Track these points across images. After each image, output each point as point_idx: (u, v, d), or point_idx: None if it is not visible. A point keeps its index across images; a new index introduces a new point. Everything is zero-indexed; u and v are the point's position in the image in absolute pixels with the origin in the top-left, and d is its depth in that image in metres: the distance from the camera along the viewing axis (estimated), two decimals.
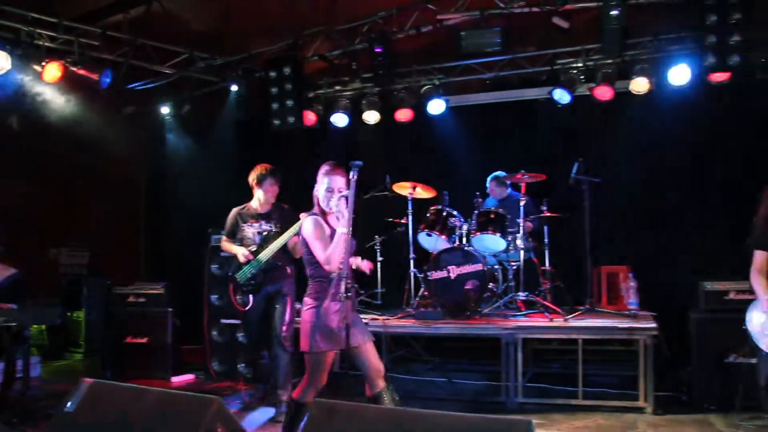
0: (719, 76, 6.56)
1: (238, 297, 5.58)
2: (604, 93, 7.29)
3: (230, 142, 8.49)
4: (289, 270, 5.60)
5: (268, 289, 5.52)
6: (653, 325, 5.64)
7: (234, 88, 7.63)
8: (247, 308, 5.54)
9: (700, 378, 5.66)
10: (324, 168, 4.25)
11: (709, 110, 7.33)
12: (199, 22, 6.91)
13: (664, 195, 7.78)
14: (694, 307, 5.87)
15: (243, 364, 6.68)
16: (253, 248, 5.47)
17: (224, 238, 5.73)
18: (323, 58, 7.45)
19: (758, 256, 4.42)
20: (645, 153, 7.76)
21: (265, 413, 5.57)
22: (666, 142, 7.63)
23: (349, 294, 3.86)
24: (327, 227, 4.14)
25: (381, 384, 4.12)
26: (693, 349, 5.73)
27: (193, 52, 7.70)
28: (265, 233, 5.50)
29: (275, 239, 5.42)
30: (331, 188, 4.14)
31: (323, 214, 4.21)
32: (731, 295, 5.72)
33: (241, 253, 5.45)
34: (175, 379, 7.01)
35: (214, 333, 7.00)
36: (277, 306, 5.50)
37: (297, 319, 6.16)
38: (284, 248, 5.47)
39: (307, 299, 4.14)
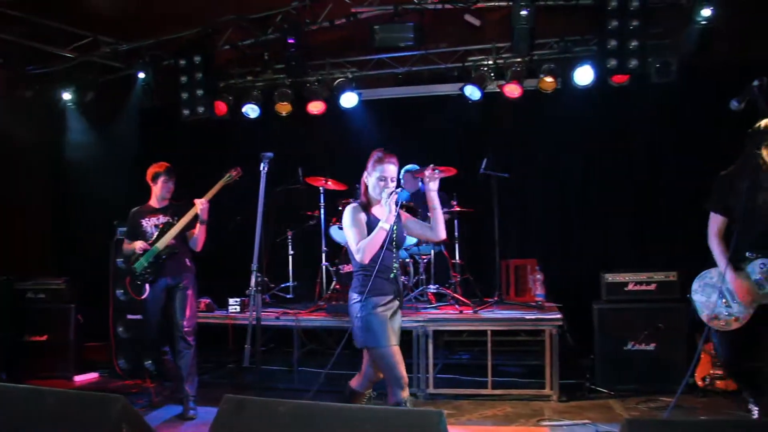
0: (620, 78, 6.87)
1: (134, 288, 5.46)
2: (513, 90, 7.46)
3: (137, 132, 8.12)
4: (188, 262, 5.55)
5: (168, 282, 5.44)
6: (558, 315, 5.86)
7: (141, 75, 7.29)
8: (143, 297, 5.43)
9: (602, 365, 5.96)
10: (375, 155, 4.11)
11: (611, 110, 7.66)
12: (104, 4, 6.55)
13: (570, 190, 8.07)
14: (596, 298, 6.16)
15: (149, 361, 6.47)
16: (151, 240, 5.42)
17: (125, 241, 5.65)
18: (235, 47, 7.27)
19: (711, 218, 4.29)
20: (551, 149, 8.02)
21: (172, 410, 5.43)
22: (571, 139, 7.91)
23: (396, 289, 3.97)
24: (364, 216, 4.00)
25: (369, 387, 4.27)
26: (595, 338, 6.02)
27: (97, 36, 7.31)
28: (161, 225, 5.45)
29: (171, 228, 5.39)
30: (384, 177, 4.02)
31: (368, 204, 4.09)
32: (630, 286, 6.06)
33: (138, 245, 5.39)
34: (79, 378, 6.73)
35: (120, 329, 6.76)
36: (177, 300, 5.44)
37: (200, 312, 6.09)
38: (183, 238, 5.46)
39: (352, 293, 4.03)
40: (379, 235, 3.86)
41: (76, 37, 7.30)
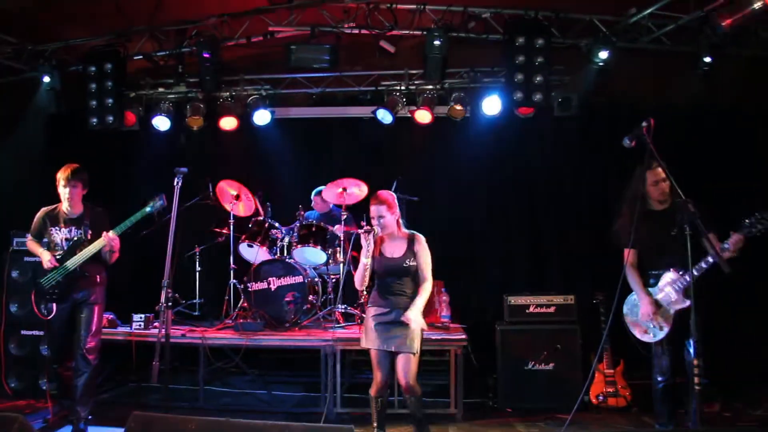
0: (525, 110, 7.22)
1: (41, 306, 5.18)
2: (423, 116, 7.68)
3: (40, 138, 7.69)
4: (98, 278, 5.33)
5: (75, 297, 5.20)
6: (463, 336, 6.05)
7: (46, 79, 6.95)
8: (50, 317, 5.16)
9: (504, 384, 6.19)
10: None
11: (516, 139, 8.02)
12: (7, 1, 6.21)
13: (477, 214, 8.32)
14: (499, 319, 6.40)
15: (45, 380, 6.11)
16: (60, 254, 5.16)
17: (29, 237, 5.36)
18: (148, 57, 7.09)
19: (627, 253, 4.75)
20: (460, 174, 8.27)
21: (69, 431, 5.17)
22: (478, 165, 8.20)
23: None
24: (365, 258, 4.61)
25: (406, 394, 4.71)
26: (498, 358, 6.25)
27: None
28: (74, 239, 5.19)
29: (84, 246, 5.14)
30: (371, 215, 4.69)
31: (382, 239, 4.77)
32: (531, 309, 6.34)
33: (46, 258, 5.13)
34: None
35: (12, 346, 6.36)
36: (83, 315, 5.20)
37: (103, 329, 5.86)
38: (95, 256, 5.21)
39: None
40: (360, 267, 4.65)
41: None
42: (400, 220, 4.80)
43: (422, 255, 4.70)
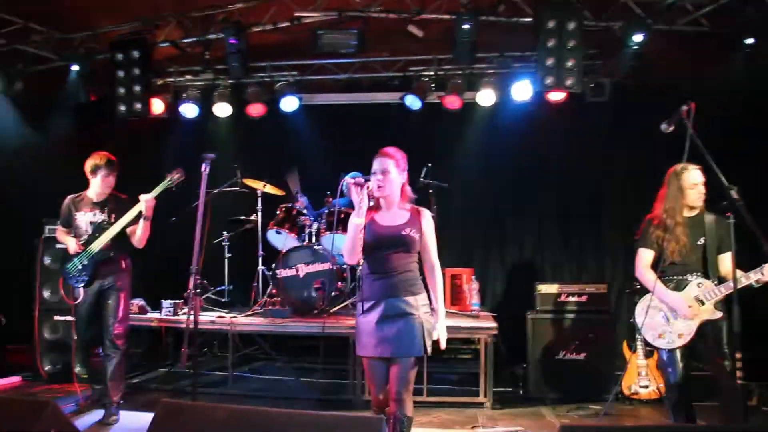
0: (556, 96, 7.07)
1: (68, 290, 5.28)
2: (453, 102, 7.58)
3: (69, 126, 7.76)
4: (123, 263, 5.37)
5: (101, 283, 5.25)
6: (493, 324, 5.97)
7: (75, 68, 7.00)
8: (77, 302, 5.24)
9: (534, 373, 6.12)
10: None
11: (547, 125, 7.85)
12: None
13: (507, 201, 8.22)
14: (530, 307, 6.31)
15: (78, 364, 6.20)
16: (85, 238, 5.22)
17: (59, 227, 5.46)
18: (175, 44, 7.08)
19: (642, 253, 4.52)
20: (489, 161, 8.16)
21: (100, 415, 5.20)
22: (508, 151, 8.08)
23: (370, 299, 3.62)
24: (357, 218, 3.59)
25: (392, 408, 3.67)
26: (528, 347, 6.17)
27: (27, 23, 6.93)
28: (98, 223, 5.24)
29: (108, 229, 5.18)
30: (373, 170, 3.67)
31: (377, 206, 3.76)
32: (562, 297, 6.23)
33: (72, 245, 5.19)
34: None
35: (46, 331, 6.47)
36: (109, 301, 5.26)
37: (132, 315, 5.90)
38: (120, 238, 5.25)
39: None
40: (351, 230, 3.56)
41: (4, 22, 6.90)
42: (407, 188, 3.78)
43: (429, 233, 3.74)
